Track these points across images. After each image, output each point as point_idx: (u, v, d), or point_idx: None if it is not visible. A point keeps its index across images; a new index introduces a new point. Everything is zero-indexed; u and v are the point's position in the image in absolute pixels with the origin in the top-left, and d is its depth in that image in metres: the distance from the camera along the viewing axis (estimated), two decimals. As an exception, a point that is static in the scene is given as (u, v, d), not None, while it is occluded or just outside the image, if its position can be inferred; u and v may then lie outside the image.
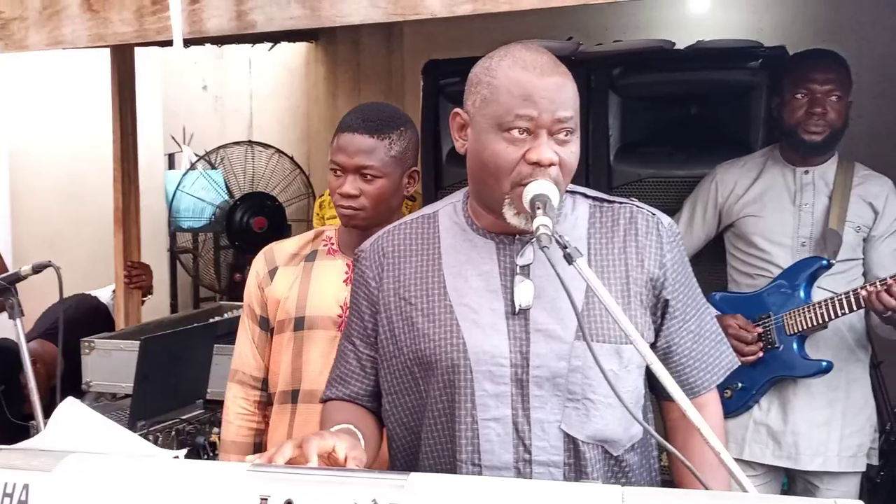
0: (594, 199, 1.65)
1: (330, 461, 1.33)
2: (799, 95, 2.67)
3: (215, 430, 2.98)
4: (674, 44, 3.56)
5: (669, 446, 1.31)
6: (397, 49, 5.62)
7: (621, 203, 1.64)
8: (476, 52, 3.83)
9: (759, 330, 2.68)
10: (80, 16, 2.62)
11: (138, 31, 2.56)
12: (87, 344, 3.30)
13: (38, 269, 2.00)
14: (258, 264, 2.18)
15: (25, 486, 1.12)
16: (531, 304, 1.53)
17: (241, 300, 4.77)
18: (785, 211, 2.74)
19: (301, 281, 2.10)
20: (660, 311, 1.62)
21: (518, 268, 1.53)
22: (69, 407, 1.20)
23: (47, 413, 2.35)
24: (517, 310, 1.54)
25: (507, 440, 1.53)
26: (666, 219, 1.64)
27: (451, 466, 1.57)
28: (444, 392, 1.57)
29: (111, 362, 3.31)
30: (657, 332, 1.63)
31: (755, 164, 2.85)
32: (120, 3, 2.55)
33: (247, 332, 2.19)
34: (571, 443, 1.54)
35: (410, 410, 1.63)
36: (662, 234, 1.61)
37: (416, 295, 1.61)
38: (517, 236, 1.57)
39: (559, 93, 1.49)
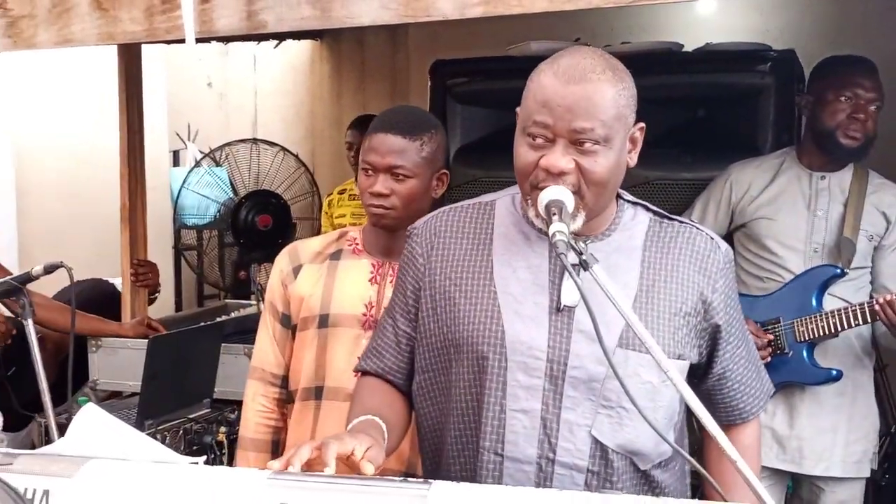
0: (655, 213, 1.65)
1: (349, 462, 1.33)
2: (843, 98, 2.66)
3: (222, 429, 2.99)
4: (682, 46, 3.56)
5: (696, 464, 1.32)
6: (402, 48, 5.62)
7: (682, 223, 1.64)
8: (482, 52, 3.88)
9: (771, 337, 2.68)
10: (89, 14, 2.62)
11: (148, 29, 2.55)
12: (93, 342, 3.31)
13: (49, 270, 2.00)
14: (282, 261, 2.19)
15: (46, 492, 1.12)
16: (576, 304, 1.53)
17: (246, 298, 4.81)
18: (799, 215, 2.74)
19: (326, 279, 2.11)
20: (709, 335, 1.62)
21: (563, 265, 1.48)
22: (89, 412, 1.21)
23: (55, 392, 2.36)
24: (561, 307, 1.54)
25: (533, 434, 1.53)
26: (724, 244, 1.65)
27: (474, 453, 1.57)
28: (476, 377, 1.57)
29: (117, 360, 3.32)
30: (711, 357, 1.64)
31: (771, 166, 2.84)
32: (129, 2, 2.55)
33: (268, 329, 2.21)
34: (600, 450, 1.54)
35: (442, 391, 1.64)
36: (719, 258, 1.62)
37: (463, 277, 1.62)
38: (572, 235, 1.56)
39: (582, 102, 1.46)
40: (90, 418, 1.19)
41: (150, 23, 2.53)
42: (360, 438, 1.39)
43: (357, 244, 2.16)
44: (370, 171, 2.04)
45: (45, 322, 2.46)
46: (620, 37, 4.22)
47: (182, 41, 2.48)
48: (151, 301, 3.77)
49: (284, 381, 2.20)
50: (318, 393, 2.10)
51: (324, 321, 2.09)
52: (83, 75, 4.51)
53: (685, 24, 4.43)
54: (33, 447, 3.59)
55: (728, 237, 2.90)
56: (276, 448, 2.21)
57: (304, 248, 2.20)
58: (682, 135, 3.39)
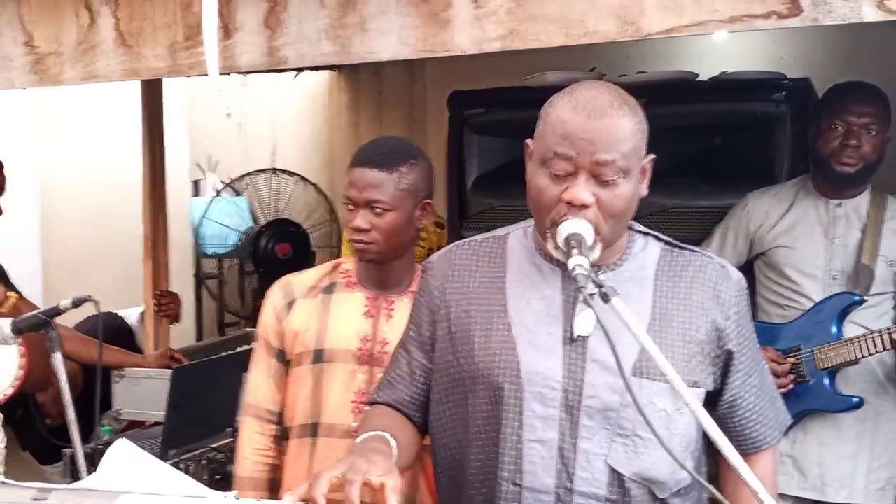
0: (666, 243, 1.67)
1: (366, 487, 1.33)
2: (835, 126, 2.69)
3: (245, 457, 3.01)
4: (697, 75, 3.58)
5: (716, 492, 1.32)
6: (419, 78, 5.67)
7: (693, 251, 1.67)
8: (498, 83, 3.92)
9: (792, 361, 2.69)
10: (114, 51, 2.67)
11: (171, 66, 2.60)
12: (117, 373, 3.34)
13: (77, 304, 2.04)
14: (275, 297, 2.16)
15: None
16: (590, 333, 1.55)
17: (267, 327, 4.80)
18: (817, 243, 2.75)
19: (320, 313, 2.09)
20: (722, 362, 1.64)
21: (582, 297, 1.49)
22: (121, 447, 1.23)
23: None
24: (575, 337, 1.56)
25: (551, 464, 1.55)
26: (735, 273, 1.67)
27: (493, 484, 1.58)
28: (493, 407, 1.59)
29: (140, 390, 3.34)
30: (722, 385, 1.65)
31: (787, 195, 2.86)
32: (153, 39, 2.60)
33: (263, 366, 2.17)
34: (617, 478, 1.55)
35: (460, 423, 1.65)
36: (731, 286, 1.64)
37: (477, 309, 1.64)
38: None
39: (604, 135, 1.49)
40: (122, 453, 1.22)
41: (174, 59, 2.58)
42: (375, 461, 1.38)
43: (351, 277, 2.13)
44: (351, 206, 2.04)
45: (71, 354, 2.49)
46: (636, 66, 4.26)
47: (203, 75, 2.53)
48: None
49: (280, 417, 2.16)
50: (313, 430, 2.07)
51: (318, 356, 2.07)
52: (106, 108, 4.57)
53: (700, 52, 4.45)
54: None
55: (748, 266, 2.91)
56: (273, 486, 2.16)
57: (298, 282, 2.16)
58: (699, 163, 3.41)
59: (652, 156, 1.60)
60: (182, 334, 4.41)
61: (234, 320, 5.56)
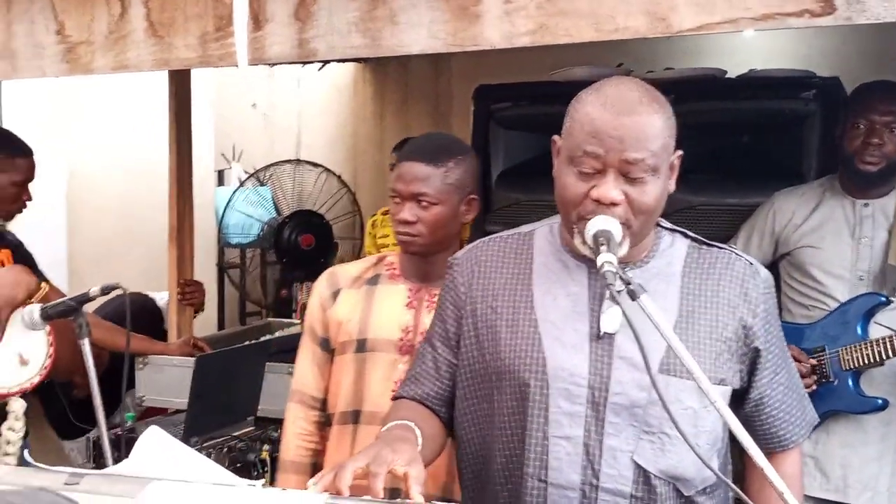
0: (693, 240, 1.67)
1: (390, 475, 1.34)
2: (858, 125, 2.67)
3: (266, 447, 3.03)
4: (725, 72, 3.57)
5: (739, 491, 1.32)
6: (445, 71, 5.68)
7: (720, 248, 1.66)
8: (524, 77, 3.91)
9: (814, 362, 2.67)
10: (144, 41, 2.68)
11: (202, 56, 2.62)
12: (140, 360, 3.37)
13: (106, 291, 2.05)
14: (321, 286, 2.22)
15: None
16: (617, 330, 1.55)
17: (288, 317, 4.85)
18: (843, 243, 2.73)
19: (363, 304, 2.14)
20: (748, 360, 1.63)
21: (609, 294, 1.49)
22: (152, 434, 1.25)
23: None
24: (601, 334, 1.56)
25: (576, 461, 1.55)
26: (763, 270, 1.66)
27: (519, 480, 1.59)
28: (519, 404, 1.59)
29: (164, 377, 3.37)
30: (749, 382, 1.64)
31: (814, 194, 2.84)
32: (184, 29, 2.62)
33: (308, 353, 2.24)
34: (643, 475, 1.55)
35: (485, 418, 1.66)
36: (759, 283, 1.63)
37: (503, 306, 1.64)
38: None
39: (632, 133, 1.49)
40: (153, 440, 1.23)
41: (204, 49, 2.60)
42: (399, 450, 1.39)
43: (395, 269, 2.18)
44: (397, 199, 2.08)
45: (97, 342, 2.51)
46: (663, 62, 4.23)
47: (233, 66, 2.55)
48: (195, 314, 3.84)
49: (324, 404, 2.22)
50: (355, 417, 2.12)
51: (361, 346, 2.12)
52: (134, 97, 4.60)
53: (728, 49, 4.43)
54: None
55: (773, 266, 2.90)
56: (316, 471, 2.17)
57: (343, 272, 2.23)
58: (726, 161, 3.40)
59: (680, 152, 1.59)
60: (204, 323, 4.45)
61: (256, 310, 5.60)
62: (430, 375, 1.73)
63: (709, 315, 1.59)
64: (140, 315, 3.64)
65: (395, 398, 1.80)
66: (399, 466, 1.35)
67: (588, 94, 1.57)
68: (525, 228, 1.74)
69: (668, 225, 1.68)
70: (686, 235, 1.68)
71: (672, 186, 1.59)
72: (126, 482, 1.19)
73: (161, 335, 3.65)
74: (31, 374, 2.05)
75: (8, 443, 2.04)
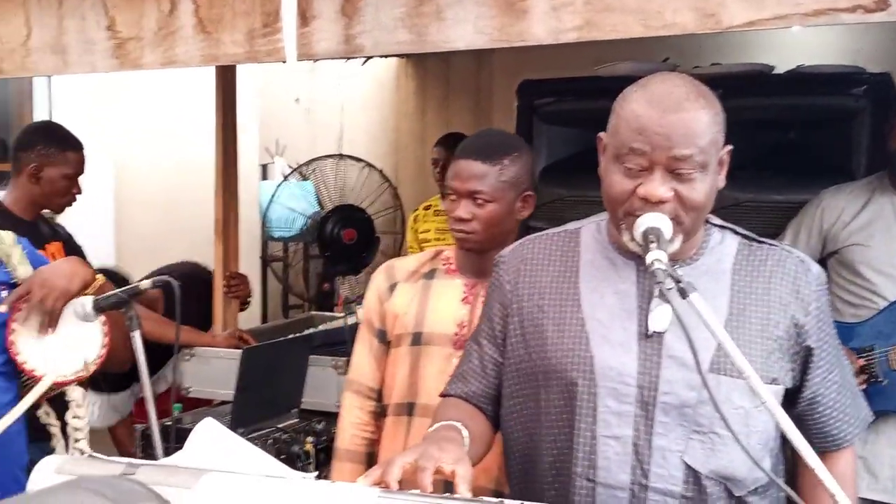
0: (744, 236, 1.65)
1: (438, 472, 1.34)
2: None
3: (309, 439, 3.06)
4: (773, 67, 3.53)
5: (791, 492, 1.31)
6: (487, 65, 5.67)
7: (771, 245, 1.64)
8: (568, 72, 3.89)
9: (863, 362, 2.64)
10: (193, 37, 2.72)
11: (249, 52, 2.64)
12: (187, 351, 3.42)
13: (157, 285, 2.08)
14: (379, 279, 2.26)
15: (167, 502, 1.17)
16: (666, 329, 1.54)
17: (330, 310, 4.88)
18: (893, 241, 2.70)
19: (420, 297, 2.17)
20: (801, 358, 1.61)
21: (658, 292, 1.44)
22: (207, 426, 1.27)
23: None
24: (650, 332, 1.55)
25: (626, 460, 1.54)
26: (815, 267, 1.64)
27: (567, 479, 1.58)
28: (566, 402, 1.59)
29: (209, 369, 3.42)
30: (802, 381, 1.62)
31: (863, 192, 2.81)
32: (232, 25, 2.65)
33: (365, 344, 2.27)
34: (693, 475, 1.53)
35: (532, 417, 1.65)
36: (811, 281, 1.60)
37: (550, 304, 1.64)
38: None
39: (679, 130, 1.47)
40: (208, 432, 1.26)
41: (251, 45, 2.62)
42: (447, 449, 1.40)
43: (451, 264, 2.20)
44: (453, 197, 2.10)
45: (146, 333, 2.55)
46: (710, 57, 4.20)
47: (281, 61, 2.57)
48: (242, 310, 3.88)
49: (379, 394, 2.25)
50: (409, 409, 2.15)
51: (417, 339, 2.15)
52: (180, 92, 4.66)
53: (776, 44, 4.37)
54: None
55: (821, 264, 2.86)
56: (371, 460, 2.26)
57: (400, 266, 2.26)
58: (774, 157, 3.36)
59: (729, 147, 1.58)
60: (248, 316, 4.49)
61: (299, 303, 5.64)
62: (476, 374, 1.73)
63: (760, 313, 1.57)
64: (193, 284, 3.70)
65: (442, 396, 1.80)
66: (446, 465, 1.35)
67: (634, 90, 1.55)
68: (571, 226, 1.73)
69: (718, 221, 1.66)
70: (736, 232, 1.65)
71: (722, 182, 1.57)
72: (181, 473, 1.21)
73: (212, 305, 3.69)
74: (87, 363, 2.08)
75: (76, 430, 2.08)
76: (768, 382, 1.54)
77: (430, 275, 2.20)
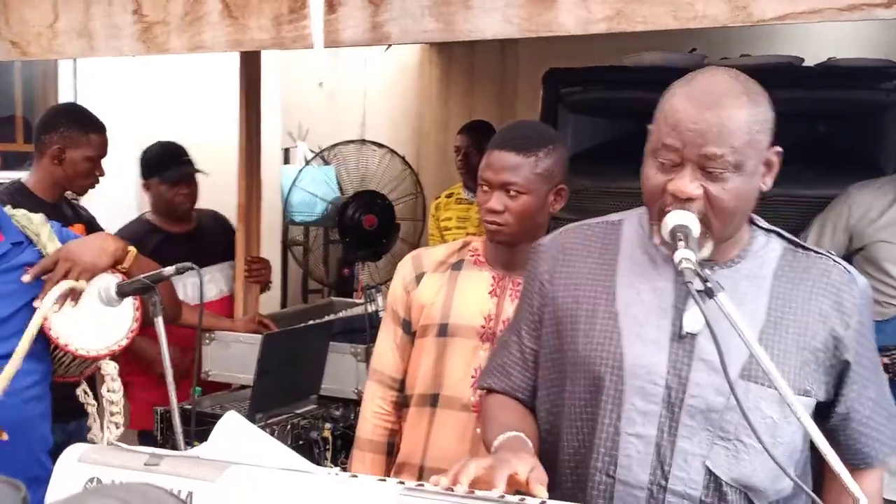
0: (790, 242, 1.61)
1: (511, 481, 1.34)
2: None
3: (327, 425, 3.07)
4: (803, 60, 3.48)
5: (818, 500, 1.29)
6: (512, 53, 5.64)
7: (818, 253, 1.60)
8: (593, 62, 3.86)
9: (886, 361, 2.61)
10: (219, 22, 2.71)
11: (275, 38, 2.64)
12: (207, 335, 3.43)
13: (180, 271, 2.07)
14: (405, 268, 2.25)
15: (190, 494, 1.18)
16: (700, 331, 1.51)
17: (349, 296, 4.87)
18: None
19: (447, 288, 2.16)
20: (837, 372, 1.57)
21: (691, 292, 1.41)
22: (230, 420, 1.27)
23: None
24: (684, 333, 1.53)
25: (647, 460, 1.53)
26: (861, 279, 1.61)
27: (585, 472, 1.58)
28: (591, 396, 1.57)
29: (229, 353, 3.43)
30: (836, 396, 1.59)
31: (891, 188, 2.78)
32: (258, 11, 2.64)
33: (389, 334, 2.26)
34: (714, 481, 1.52)
35: (556, 407, 1.65)
36: (855, 294, 1.56)
37: (584, 295, 1.62)
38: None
39: (713, 127, 1.44)
40: (231, 425, 1.25)
41: (278, 31, 2.62)
42: (523, 458, 1.40)
43: (479, 255, 2.19)
44: (486, 188, 2.08)
45: (167, 317, 2.57)
46: (738, 48, 4.15)
47: (307, 48, 2.56)
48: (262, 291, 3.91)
49: (402, 384, 2.24)
50: (433, 400, 2.15)
51: (443, 330, 2.14)
52: (204, 75, 4.65)
53: (806, 36, 4.31)
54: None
55: (847, 260, 2.83)
56: (392, 450, 2.27)
57: (427, 256, 2.25)
58: (802, 151, 3.31)
59: (778, 148, 1.53)
60: (268, 300, 4.50)
61: (318, 287, 5.65)
62: (517, 365, 1.72)
63: (798, 322, 1.54)
64: (218, 232, 3.78)
65: (485, 390, 1.78)
66: (521, 471, 1.35)
67: (679, 84, 1.52)
68: (614, 217, 1.70)
69: (765, 225, 1.62)
70: (782, 237, 1.61)
71: (767, 185, 1.53)
72: (206, 465, 1.21)
73: (233, 250, 3.71)
74: (119, 338, 2.09)
75: (111, 403, 2.09)
76: (800, 394, 1.51)
77: (458, 265, 2.19)
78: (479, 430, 2.06)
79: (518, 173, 2.04)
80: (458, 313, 2.13)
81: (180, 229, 3.68)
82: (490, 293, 2.12)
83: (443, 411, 2.12)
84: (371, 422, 2.26)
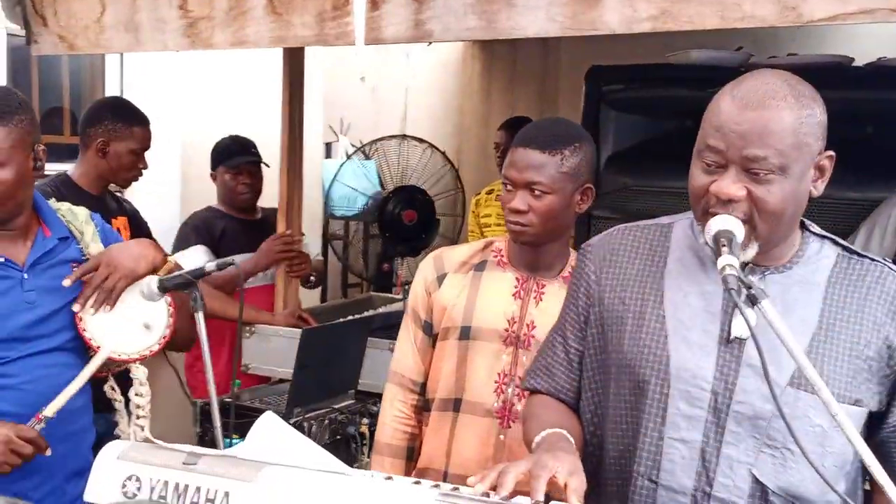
0: (844, 248, 1.57)
1: (550, 484, 1.33)
2: None
3: (365, 420, 3.07)
4: (852, 60, 3.41)
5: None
6: (554, 50, 5.60)
7: (873, 260, 1.56)
8: (636, 59, 3.82)
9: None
10: (263, 18, 2.73)
11: (318, 34, 2.64)
12: (248, 329, 3.46)
13: (221, 267, 2.08)
14: (426, 269, 2.18)
15: (227, 494, 1.18)
16: (748, 336, 1.48)
17: (388, 290, 4.88)
18: None
19: (469, 290, 2.10)
20: (890, 382, 1.53)
21: (736, 298, 1.36)
22: (267, 421, 1.27)
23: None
24: (731, 338, 1.50)
25: (691, 465, 1.51)
26: None
27: (628, 477, 1.56)
28: (636, 399, 1.56)
29: (269, 347, 3.45)
30: (889, 406, 1.54)
31: None
32: (302, 7, 2.65)
33: (409, 336, 2.20)
34: (760, 490, 1.49)
35: (600, 410, 1.63)
36: None
37: (632, 297, 1.60)
38: (749, 265, 1.50)
39: (757, 129, 1.41)
40: (268, 426, 1.26)
41: (321, 28, 2.62)
42: (562, 460, 1.38)
43: (502, 256, 2.12)
44: (510, 187, 2.01)
45: (210, 311, 2.59)
46: (786, 47, 4.08)
47: (350, 44, 2.56)
48: (309, 287, 3.93)
49: (423, 388, 2.18)
50: (456, 405, 2.09)
51: (465, 333, 2.07)
52: (248, 70, 4.68)
53: (856, 36, 4.22)
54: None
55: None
56: (411, 454, 2.21)
57: (450, 256, 2.17)
58: (849, 153, 3.24)
59: (831, 153, 1.49)
60: (309, 292, 4.52)
61: (357, 282, 5.68)
62: (562, 367, 1.70)
63: (851, 330, 1.50)
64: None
65: (529, 390, 1.76)
66: (561, 475, 1.33)
67: (728, 85, 1.49)
68: (665, 220, 1.67)
69: (819, 230, 1.58)
70: (836, 243, 1.58)
71: (818, 190, 1.49)
72: (243, 465, 1.21)
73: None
74: (151, 343, 2.09)
75: (138, 406, 2.11)
76: (850, 403, 1.47)
77: (481, 266, 2.12)
78: (502, 436, 2.04)
79: (542, 172, 1.96)
80: (480, 316, 2.06)
81: (246, 217, 3.78)
82: (514, 295, 2.06)
83: (465, 416, 2.06)
84: (391, 426, 2.19)
